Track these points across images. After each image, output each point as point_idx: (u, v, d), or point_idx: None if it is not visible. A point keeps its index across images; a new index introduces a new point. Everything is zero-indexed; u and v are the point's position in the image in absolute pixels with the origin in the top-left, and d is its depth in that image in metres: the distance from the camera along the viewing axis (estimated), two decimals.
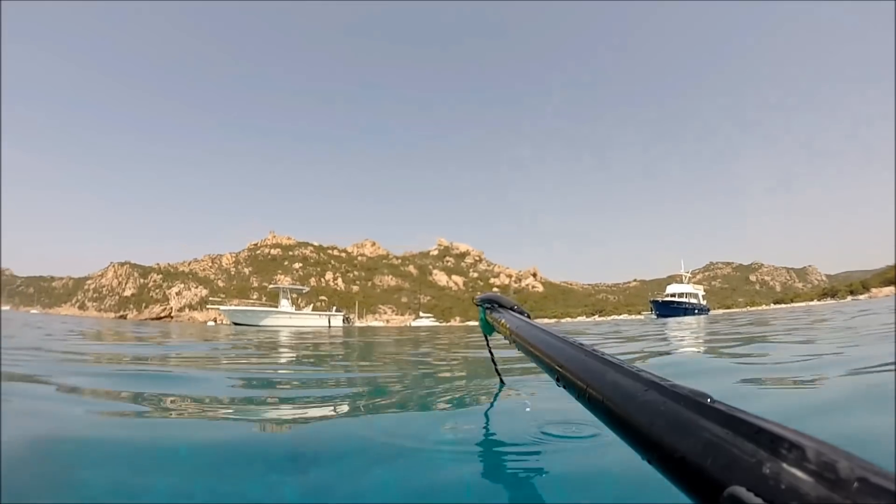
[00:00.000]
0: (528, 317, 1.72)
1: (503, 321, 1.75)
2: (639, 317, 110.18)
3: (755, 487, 0.44)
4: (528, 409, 2.33)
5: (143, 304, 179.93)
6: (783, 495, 0.42)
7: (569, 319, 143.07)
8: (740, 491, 0.45)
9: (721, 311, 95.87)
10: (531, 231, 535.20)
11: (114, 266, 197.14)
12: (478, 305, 2.14)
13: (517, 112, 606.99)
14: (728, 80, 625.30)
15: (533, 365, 1.33)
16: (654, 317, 72.21)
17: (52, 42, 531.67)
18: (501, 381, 2.83)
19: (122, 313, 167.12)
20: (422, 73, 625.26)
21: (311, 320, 62.32)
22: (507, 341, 1.70)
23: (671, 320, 31.94)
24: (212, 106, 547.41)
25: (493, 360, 2.69)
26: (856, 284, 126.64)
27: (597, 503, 1.36)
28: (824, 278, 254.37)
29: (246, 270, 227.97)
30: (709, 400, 0.59)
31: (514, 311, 1.83)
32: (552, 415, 2.05)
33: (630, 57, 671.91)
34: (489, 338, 2.37)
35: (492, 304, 1.99)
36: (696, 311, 76.49)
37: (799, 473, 0.43)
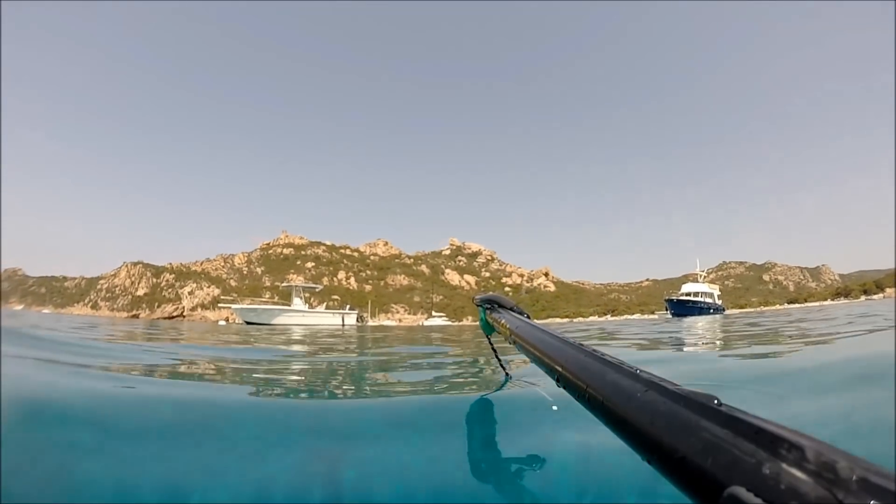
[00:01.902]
0: (528, 317, 1.72)
1: (503, 321, 1.75)
2: (652, 316, 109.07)
3: (755, 487, 0.45)
4: (554, 408, 2.35)
5: (156, 304, 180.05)
6: (783, 495, 0.42)
7: (581, 319, 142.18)
8: (740, 491, 0.45)
9: (736, 311, 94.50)
10: (543, 231, 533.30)
11: (127, 266, 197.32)
12: (478, 306, 2.14)
13: (529, 113, 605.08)
14: (741, 79, 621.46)
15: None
16: (669, 316, 71.29)
17: (69, 37, 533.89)
18: (507, 374, 2.79)
19: (134, 312, 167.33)
20: (438, 73, 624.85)
21: (325, 319, 61.89)
22: (507, 342, 1.69)
23: (688, 319, 30.98)
24: (225, 105, 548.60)
25: (496, 356, 2.64)
26: (869, 284, 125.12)
27: (597, 503, 1.38)
28: (837, 278, 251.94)
29: (258, 270, 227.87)
30: (715, 402, 0.59)
31: (513, 311, 1.84)
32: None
33: (642, 56, 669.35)
34: (490, 337, 2.37)
35: (492, 304, 2.00)
36: (712, 311, 75.12)
37: (798, 473, 0.43)
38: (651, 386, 0.70)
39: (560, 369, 1.02)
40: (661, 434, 0.61)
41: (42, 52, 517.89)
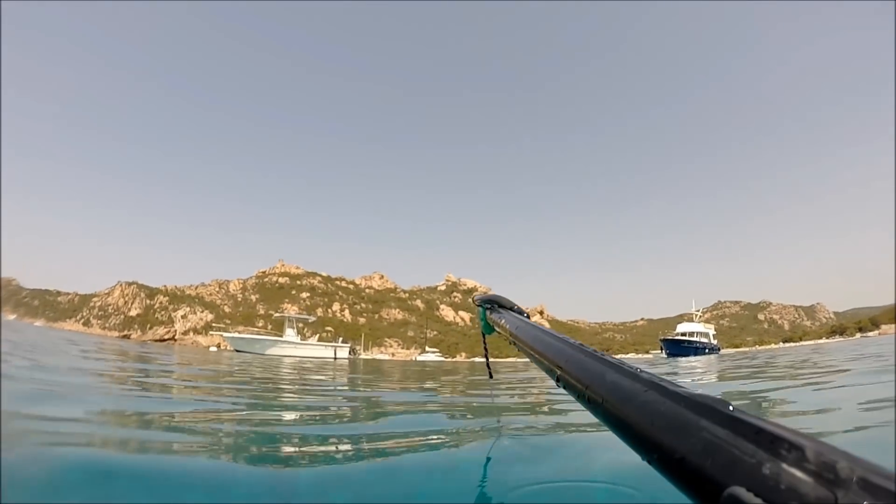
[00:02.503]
0: (528, 317, 1.70)
1: (503, 322, 1.74)
2: (647, 356, 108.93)
3: (755, 488, 0.44)
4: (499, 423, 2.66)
5: (148, 325, 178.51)
6: (783, 495, 0.42)
7: None
8: (740, 491, 0.45)
9: (732, 351, 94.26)
10: (538, 269, 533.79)
11: (121, 285, 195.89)
12: (478, 306, 2.12)
13: (525, 150, 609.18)
14: (734, 113, 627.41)
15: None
16: (663, 356, 71.17)
17: (63, 46, 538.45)
18: (490, 375, 2.98)
19: (125, 333, 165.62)
20: (438, 107, 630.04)
21: (317, 351, 60.95)
22: (508, 342, 1.68)
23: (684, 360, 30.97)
24: (231, 128, 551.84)
25: (486, 358, 2.79)
26: (864, 321, 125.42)
27: (597, 503, 1.35)
28: (832, 315, 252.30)
29: (253, 297, 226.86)
30: (710, 401, 0.59)
31: (513, 311, 1.83)
32: None
33: (634, 85, 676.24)
34: (486, 338, 2.44)
35: (492, 304, 1.98)
36: (707, 351, 75.13)
37: (798, 474, 0.43)
38: (651, 386, 0.70)
39: (560, 369, 1.02)
40: (661, 434, 0.61)
41: (36, 56, 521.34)
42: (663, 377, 0.71)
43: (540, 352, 1.22)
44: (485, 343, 2.55)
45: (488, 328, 2.04)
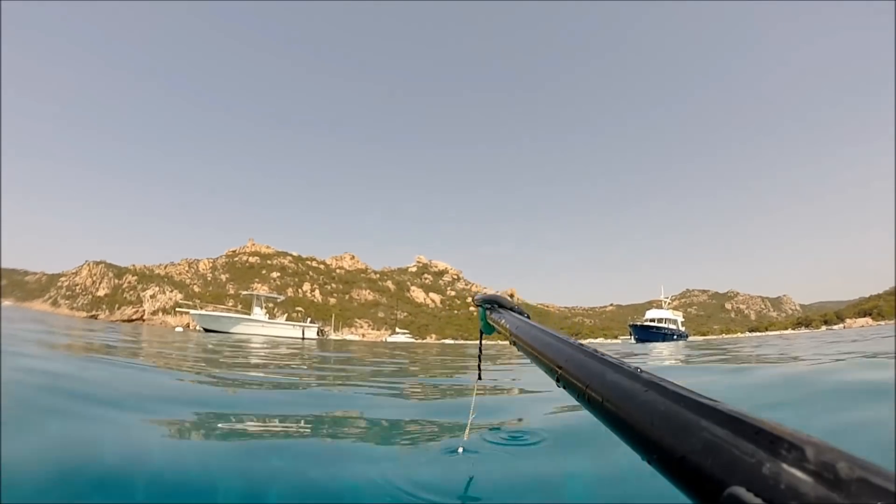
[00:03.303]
0: (528, 317, 1.68)
1: (503, 322, 1.73)
2: (616, 341, 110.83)
3: (755, 487, 0.45)
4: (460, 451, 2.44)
5: (116, 305, 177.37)
6: (783, 495, 0.42)
7: None
8: (740, 491, 0.45)
9: (700, 338, 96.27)
10: (509, 252, 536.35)
11: (89, 265, 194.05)
12: (478, 306, 2.07)
13: (498, 137, 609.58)
14: (707, 105, 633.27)
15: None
16: (632, 341, 72.88)
17: (42, 36, 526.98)
18: (480, 376, 2.80)
19: (93, 313, 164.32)
20: (413, 87, 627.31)
21: (285, 330, 61.94)
22: (509, 342, 1.65)
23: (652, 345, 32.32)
24: (200, 108, 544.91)
25: (479, 358, 2.71)
26: (830, 314, 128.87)
27: (597, 503, 1.34)
28: (798, 308, 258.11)
29: (223, 277, 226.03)
30: (710, 401, 0.59)
31: (513, 311, 1.80)
32: None
33: (611, 80, 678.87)
34: (482, 338, 2.30)
35: (492, 304, 1.95)
36: (676, 337, 77.81)
37: (798, 473, 0.43)
38: (651, 386, 0.70)
39: (560, 369, 1.02)
40: (661, 434, 0.61)
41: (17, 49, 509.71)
42: (663, 377, 0.71)
43: (540, 351, 1.20)
44: (480, 343, 2.53)
45: (488, 328, 2.05)
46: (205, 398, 4.38)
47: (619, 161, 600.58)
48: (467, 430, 2.64)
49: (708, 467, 0.51)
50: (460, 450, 2.50)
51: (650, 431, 0.63)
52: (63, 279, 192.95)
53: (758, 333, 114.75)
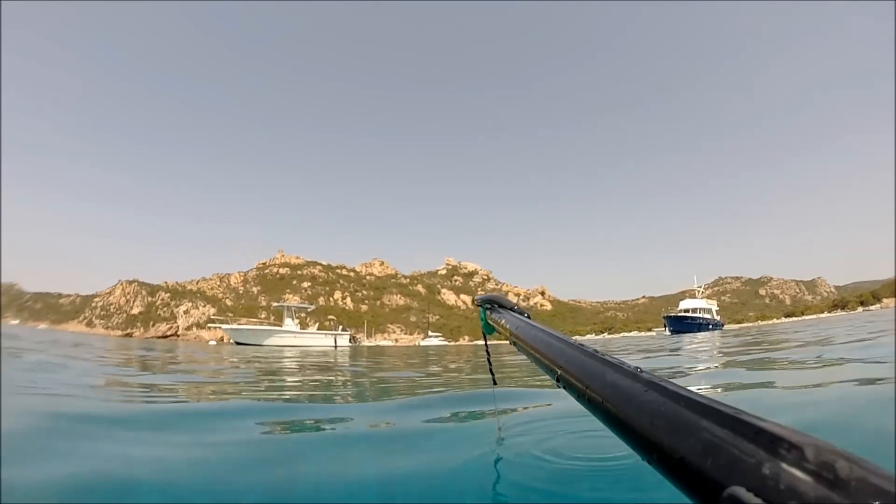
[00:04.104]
0: (528, 317, 1.68)
1: (503, 322, 1.73)
2: (650, 333, 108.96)
3: (755, 487, 0.45)
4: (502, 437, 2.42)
5: (151, 322, 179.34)
6: (783, 495, 0.42)
7: (578, 337, 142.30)
8: (740, 491, 0.45)
9: (736, 326, 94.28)
10: (539, 250, 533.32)
11: (122, 284, 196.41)
12: (478, 306, 2.10)
13: (521, 131, 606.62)
14: (735, 89, 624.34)
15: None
16: (667, 333, 71.14)
17: (61, 46, 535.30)
18: (494, 381, 2.71)
19: (128, 331, 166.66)
20: (434, 92, 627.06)
21: (317, 340, 61.72)
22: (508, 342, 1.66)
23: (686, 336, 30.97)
24: (225, 124, 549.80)
25: (488, 361, 2.60)
26: (866, 295, 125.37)
27: (597, 503, 1.36)
28: (833, 290, 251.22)
29: (254, 289, 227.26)
30: (710, 401, 0.59)
31: (514, 311, 1.80)
32: None
33: (634, 65, 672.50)
34: (487, 339, 2.32)
35: (492, 304, 1.97)
36: (711, 327, 75.57)
37: (798, 473, 0.43)
38: (651, 386, 0.70)
39: (560, 370, 1.02)
40: (661, 434, 0.61)
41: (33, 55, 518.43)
42: (663, 377, 0.71)
43: (540, 352, 1.21)
44: (486, 345, 2.48)
45: (489, 328, 2.02)
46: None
47: (647, 148, 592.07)
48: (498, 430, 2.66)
49: (708, 467, 0.51)
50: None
51: (650, 431, 0.63)
52: (97, 299, 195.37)
53: (794, 318, 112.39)
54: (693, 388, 0.60)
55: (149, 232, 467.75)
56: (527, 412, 3.39)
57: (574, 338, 1.10)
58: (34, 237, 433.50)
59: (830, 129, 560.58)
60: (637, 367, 0.80)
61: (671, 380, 0.69)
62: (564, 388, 1.01)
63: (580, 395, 0.89)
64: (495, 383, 2.74)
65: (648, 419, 0.65)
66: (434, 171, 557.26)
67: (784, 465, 0.44)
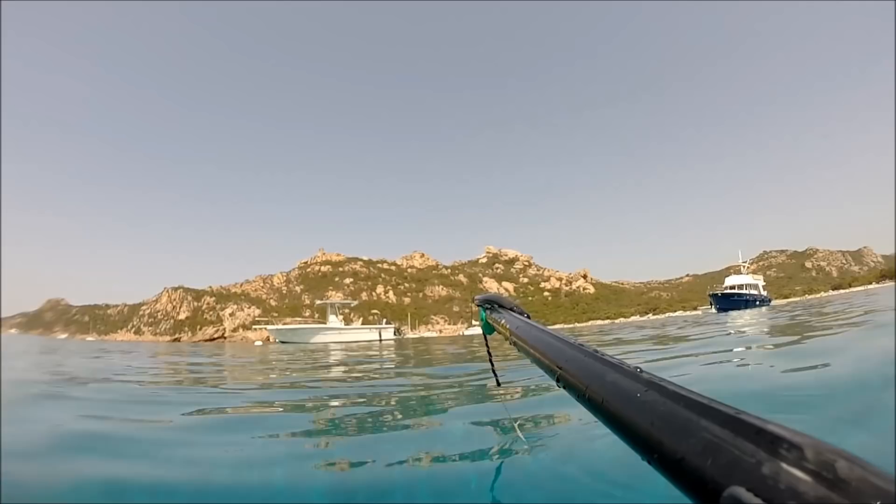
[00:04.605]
0: (528, 317, 1.70)
1: (503, 322, 1.74)
2: (695, 312, 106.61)
3: (755, 488, 0.45)
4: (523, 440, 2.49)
5: (198, 326, 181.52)
6: (782, 495, 0.42)
7: (623, 319, 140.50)
8: (740, 491, 0.45)
9: (783, 301, 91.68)
10: (578, 232, 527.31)
11: (168, 291, 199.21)
12: (478, 306, 2.11)
13: (552, 113, 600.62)
14: (777, 54, 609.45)
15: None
16: (713, 311, 68.89)
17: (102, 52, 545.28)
18: (498, 382, 2.70)
19: (176, 336, 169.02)
20: (463, 79, 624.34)
21: (362, 334, 61.80)
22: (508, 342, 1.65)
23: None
24: (259, 127, 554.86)
25: (490, 361, 2.57)
26: None
27: (596, 503, 1.36)
28: (880, 259, 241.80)
29: (297, 289, 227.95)
30: (710, 401, 0.59)
31: (513, 311, 1.82)
32: None
33: (675, 36, 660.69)
34: (488, 338, 2.32)
35: (491, 304, 1.98)
36: (758, 303, 72.91)
37: (798, 473, 0.43)
38: (651, 386, 0.70)
39: (560, 369, 1.02)
40: (661, 434, 0.61)
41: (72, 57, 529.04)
42: (663, 377, 0.71)
43: (540, 352, 1.21)
44: (487, 345, 2.43)
45: (489, 328, 2.03)
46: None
47: (685, 122, 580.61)
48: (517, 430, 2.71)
49: (708, 467, 0.51)
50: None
51: (650, 431, 0.63)
52: (144, 307, 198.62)
53: (842, 291, 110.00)
54: None
55: (189, 240, 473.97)
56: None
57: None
58: (80, 254, 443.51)
59: (872, 93, 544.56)
60: (637, 367, 0.79)
61: (671, 379, 0.69)
62: (564, 387, 1.01)
63: (580, 395, 0.89)
64: (499, 384, 2.70)
65: (648, 419, 0.65)
66: (471, 159, 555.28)
67: (784, 465, 0.44)
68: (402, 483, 2.16)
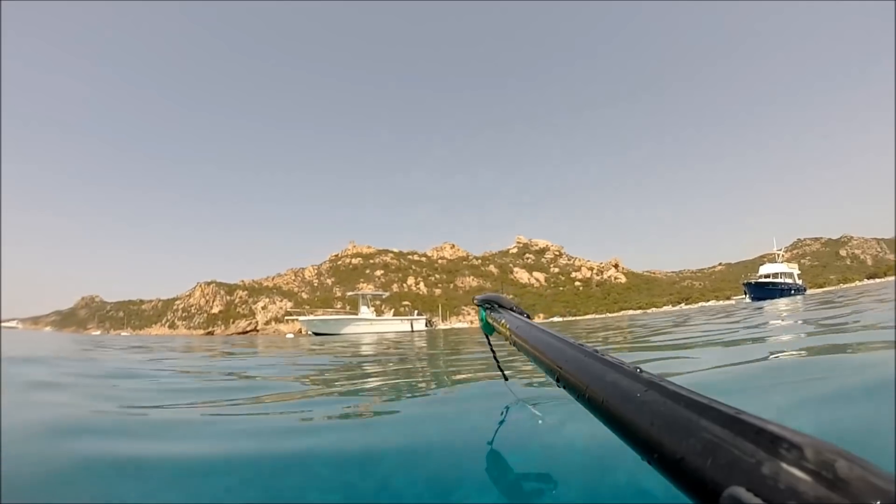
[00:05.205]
0: (528, 317, 1.71)
1: (503, 322, 1.75)
2: (728, 302, 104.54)
3: (755, 487, 0.45)
4: (540, 422, 2.40)
5: (231, 320, 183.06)
6: (782, 495, 0.42)
7: (654, 309, 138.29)
8: (740, 491, 0.45)
9: (818, 291, 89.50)
10: (610, 221, 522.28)
11: (201, 286, 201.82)
12: (478, 306, 2.14)
13: (581, 101, 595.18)
14: (806, 42, 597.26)
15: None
16: (747, 301, 67.15)
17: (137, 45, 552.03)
18: (504, 376, 2.73)
19: (210, 329, 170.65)
20: (486, 68, 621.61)
21: (393, 325, 61.66)
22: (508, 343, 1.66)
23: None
24: (287, 123, 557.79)
25: (494, 358, 2.60)
26: None
27: (596, 503, 1.40)
28: None
29: (329, 281, 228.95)
30: (710, 401, 0.59)
31: (513, 311, 1.84)
32: None
33: (706, 24, 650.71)
34: (489, 337, 2.34)
35: (491, 304, 2.00)
36: (793, 292, 71.23)
37: (798, 473, 0.43)
38: (651, 386, 0.70)
39: (560, 369, 1.02)
40: (660, 434, 0.61)
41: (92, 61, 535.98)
42: (663, 377, 0.70)
43: (540, 352, 1.21)
44: (489, 343, 2.43)
45: (489, 328, 2.06)
46: None
47: (717, 110, 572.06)
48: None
49: (707, 467, 0.51)
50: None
51: (650, 431, 0.63)
52: (178, 302, 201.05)
53: (877, 280, 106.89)
54: None
55: (221, 236, 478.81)
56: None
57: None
58: (115, 253, 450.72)
59: (873, 93, 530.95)
60: (637, 367, 0.79)
61: (671, 379, 0.69)
62: (564, 387, 1.01)
63: (580, 395, 0.90)
64: (506, 379, 2.72)
65: (648, 419, 0.65)
66: (500, 149, 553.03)
67: (784, 465, 0.44)
68: (423, 445, 2.14)
